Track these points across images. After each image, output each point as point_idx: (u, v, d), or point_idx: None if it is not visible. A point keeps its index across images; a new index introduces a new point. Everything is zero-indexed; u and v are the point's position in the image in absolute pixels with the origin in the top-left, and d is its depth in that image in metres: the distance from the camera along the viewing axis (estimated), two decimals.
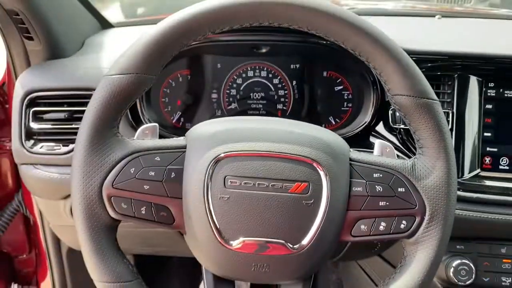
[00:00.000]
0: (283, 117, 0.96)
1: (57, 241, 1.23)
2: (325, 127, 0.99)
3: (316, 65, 0.99)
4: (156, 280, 1.61)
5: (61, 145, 0.88)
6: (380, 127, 0.94)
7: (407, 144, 0.90)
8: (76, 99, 0.89)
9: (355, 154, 0.65)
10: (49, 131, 0.89)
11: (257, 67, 0.99)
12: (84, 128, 0.60)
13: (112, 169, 0.60)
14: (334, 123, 1.00)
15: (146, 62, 0.59)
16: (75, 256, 1.25)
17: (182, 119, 1.00)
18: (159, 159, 0.62)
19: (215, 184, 0.60)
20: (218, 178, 0.60)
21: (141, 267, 1.51)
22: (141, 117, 0.92)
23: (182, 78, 0.99)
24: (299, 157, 0.60)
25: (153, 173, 0.61)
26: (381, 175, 0.63)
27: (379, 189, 0.62)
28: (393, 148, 0.68)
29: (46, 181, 0.90)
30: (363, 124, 0.94)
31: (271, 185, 0.60)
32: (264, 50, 0.96)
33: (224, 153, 0.60)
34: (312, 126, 0.67)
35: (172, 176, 0.61)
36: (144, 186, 0.61)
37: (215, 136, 0.62)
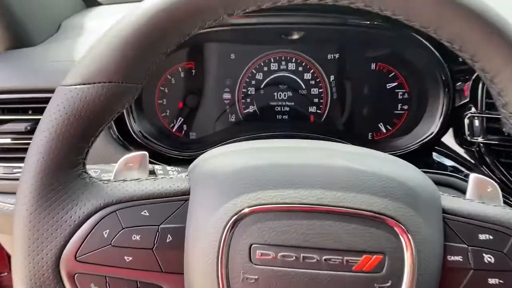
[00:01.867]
0: (316, 123, 0.89)
1: None
2: (372, 136, 0.88)
3: (361, 54, 0.87)
4: None
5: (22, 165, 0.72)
6: (447, 139, 0.81)
7: (487, 162, 0.73)
8: (44, 103, 0.72)
9: (447, 201, 0.49)
10: (7, 148, 0.77)
11: (282, 58, 0.86)
12: (29, 171, 0.44)
13: (74, 232, 0.46)
14: (384, 131, 0.87)
15: (125, 64, 0.44)
16: None
17: (184, 127, 0.89)
18: (147, 213, 0.47)
19: (236, 257, 0.45)
20: (241, 247, 0.45)
21: None
22: (130, 127, 0.79)
23: (185, 73, 0.88)
24: (368, 213, 0.44)
25: (138, 237, 0.47)
26: (491, 237, 0.48)
27: (488, 258, 0.48)
28: (497, 187, 0.52)
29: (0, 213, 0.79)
30: (427, 136, 0.80)
31: (324, 259, 0.44)
32: (296, 37, 0.83)
33: (250, 207, 0.45)
34: (386, 158, 0.51)
35: (168, 241, 0.47)
36: (125, 257, 0.47)
37: (235, 176, 0.46)
